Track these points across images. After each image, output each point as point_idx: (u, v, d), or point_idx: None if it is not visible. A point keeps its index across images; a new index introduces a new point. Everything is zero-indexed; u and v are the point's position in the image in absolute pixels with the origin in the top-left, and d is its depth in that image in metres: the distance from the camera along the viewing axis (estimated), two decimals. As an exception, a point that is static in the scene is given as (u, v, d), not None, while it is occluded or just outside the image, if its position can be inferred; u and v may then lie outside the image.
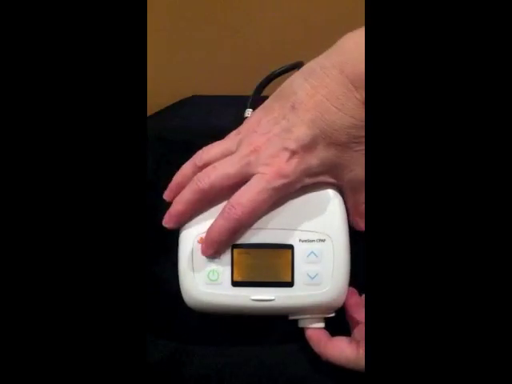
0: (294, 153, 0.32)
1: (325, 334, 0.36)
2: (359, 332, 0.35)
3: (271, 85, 0.48)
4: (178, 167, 0.37)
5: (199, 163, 0.35)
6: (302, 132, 0.32)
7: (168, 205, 0.36)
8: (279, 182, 0.32)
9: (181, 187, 0.35)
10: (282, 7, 0.69)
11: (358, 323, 0.36)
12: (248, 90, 0.47)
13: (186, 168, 0.36)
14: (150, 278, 0.38)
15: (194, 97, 0.59)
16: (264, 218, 0.35)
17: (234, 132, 0.36)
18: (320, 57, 0.34)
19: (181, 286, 0.36)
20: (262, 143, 0.33)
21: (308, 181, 0.34)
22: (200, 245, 0.35)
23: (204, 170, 0.34)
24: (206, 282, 0.35)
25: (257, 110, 0.36)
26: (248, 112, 0.43)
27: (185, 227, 0.36)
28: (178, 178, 0.37)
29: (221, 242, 0.34)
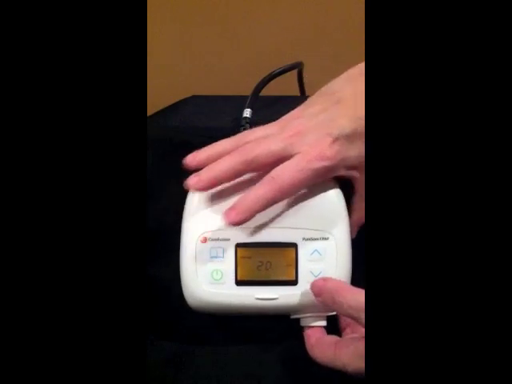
0: (336, 139, 0.34)
1: (318, 334, 0.35)
2: (345, 332, 0.36)
3: (271, 85, 0.48)
4: (177, 167, 0.37)
5: (241, 142, 0.36)
6: (344, 122, 0.34)
7: (169, 210, 0.36)
8: (320, 164, 0.33)
9: (211, 160, 0.35)
10: (281, 8, 0.70)
11: (347, 325, 0.36)
12: (248, 90, 0.47)
13: (225, 144, 0.36)
14: (149, 279, 0.38)
15: (193, 97, 0.59)
16: (267, 217, 0.35)
17: (275, 122, 0.37)
18: (357, 66, 0.37)
19: (183, 287, 0.35)
20: (306, 128, 0.34)
21: (343, 172, 0.35)
22: (203, 244, 0.35)
23: (248, 144, 0.35)
24: (209, 281, 0.35)
25: (299, 106, 0.38)
26: (247, 112, 0.43)
27: (187, 226, 0.36)
28: (210, 151, 0.36)
29: (253, 211, 0.33)
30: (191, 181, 0.35)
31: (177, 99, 0.58)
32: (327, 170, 0.34)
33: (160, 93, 0.53)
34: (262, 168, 0.34)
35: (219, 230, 0.35)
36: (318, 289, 0.34)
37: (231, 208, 0.33)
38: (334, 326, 0.36)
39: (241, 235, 0.35)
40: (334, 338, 0.35)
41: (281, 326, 0.38)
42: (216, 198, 0.36)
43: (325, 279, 0.34)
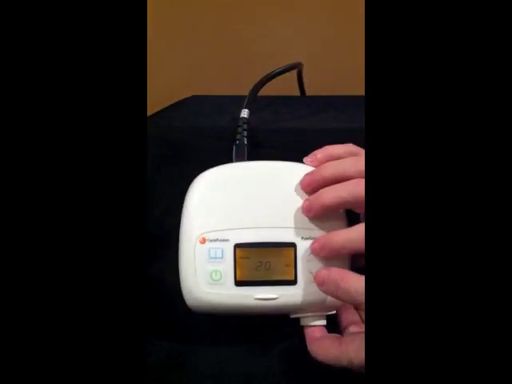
0: None
1: (318, 333, 0.35)
2: (347, 331, 0.35)
3: (271, 85, 0.48)
4: (177, 167, 0.37)
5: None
6: None
7: (169, 210, 0.35)
8: None
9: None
10: (281, 7, 0.70)
11: (349, 324, 0.36)
12: (248, 90, 0.47)
13: (339, 148, 0.36)
14: (149, 280, 0.38)
15: (193, 97, 0.59)
16: (266, 217, 0.35)
17: None
18: None
19: (182, 287, 0.35)
20: None
21: None
22: (202, 245, 0.35)
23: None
24: (208, 282, 0.35)
25: None
26: (244, 112, 0.43)
27: (186, 227, 0.36)
28: (327, 151, 0.36)
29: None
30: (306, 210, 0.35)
31: (177, 99, 0.58)
32: None
33: (160, 93, 0.53)
34: None
35: (218, 230, 0.35)
36: (321, 279, 0.33)
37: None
38: (333, 327, 0.36)
39: (239, 236, 0.35)
40: (336, 335, 0.35)
41: (281, 326, 0.38)
42: (215, 198, 0.36)
43: (328, 269, 0.33)
